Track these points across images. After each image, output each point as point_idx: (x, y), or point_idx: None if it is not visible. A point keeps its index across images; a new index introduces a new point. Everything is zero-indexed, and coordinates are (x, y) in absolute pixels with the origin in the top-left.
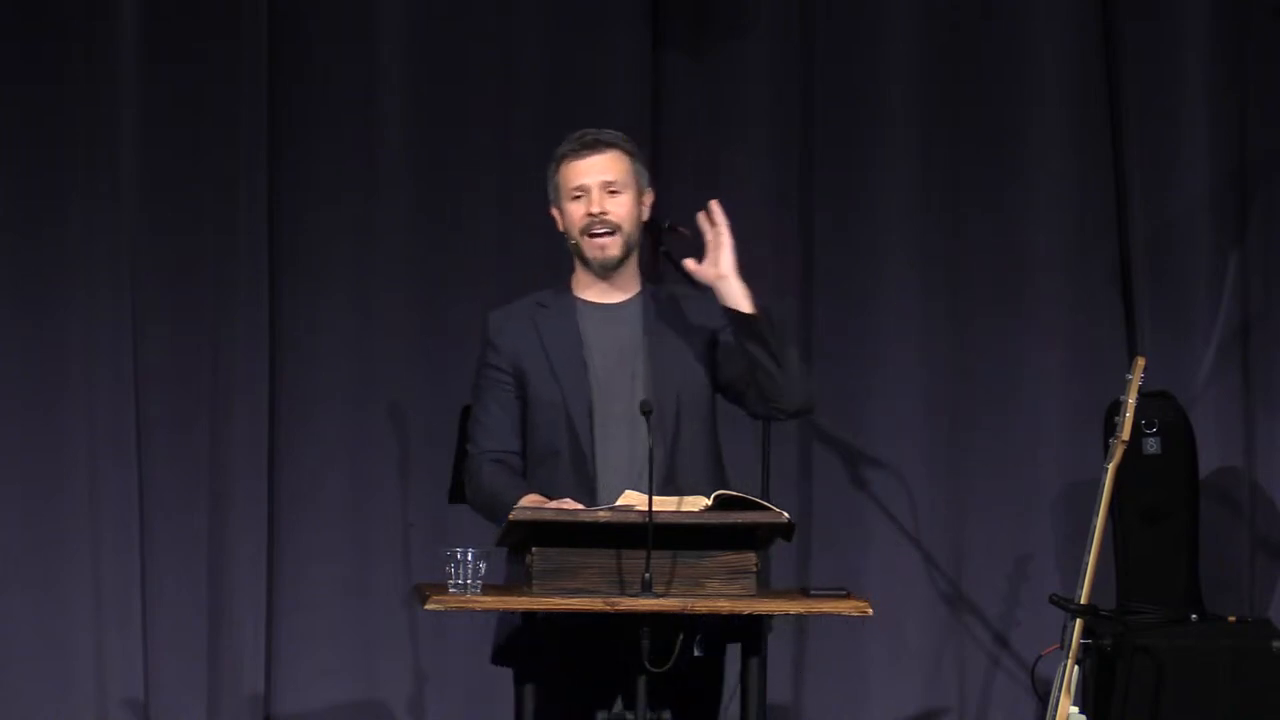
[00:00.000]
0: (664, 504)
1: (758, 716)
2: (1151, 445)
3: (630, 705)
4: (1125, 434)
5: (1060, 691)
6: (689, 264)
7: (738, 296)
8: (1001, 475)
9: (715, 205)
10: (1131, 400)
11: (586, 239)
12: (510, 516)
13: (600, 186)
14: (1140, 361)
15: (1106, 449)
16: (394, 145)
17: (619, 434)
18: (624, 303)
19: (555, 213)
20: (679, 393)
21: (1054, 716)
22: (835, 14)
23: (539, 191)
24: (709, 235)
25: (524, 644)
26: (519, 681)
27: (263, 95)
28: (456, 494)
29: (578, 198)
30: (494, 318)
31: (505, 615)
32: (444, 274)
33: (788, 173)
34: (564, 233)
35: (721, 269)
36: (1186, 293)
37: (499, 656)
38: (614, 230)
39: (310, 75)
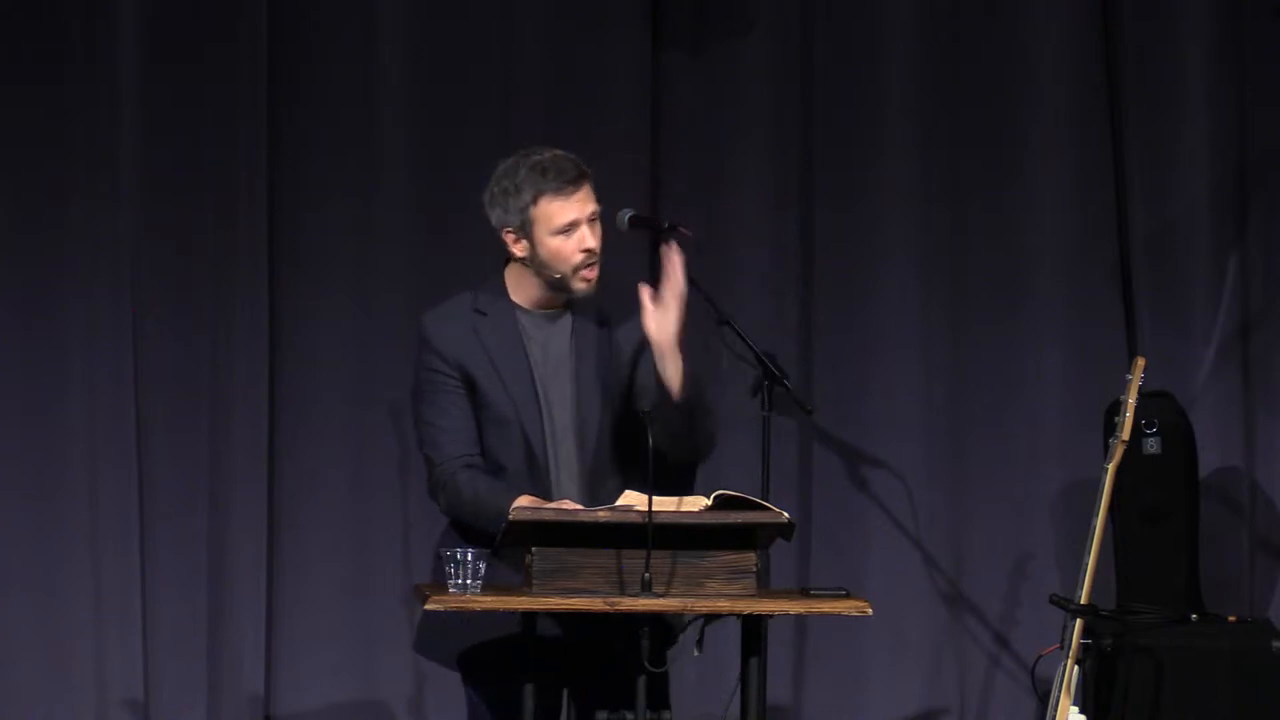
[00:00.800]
0: (664, 504)
1: (758, 716)
2: (1151, 445)
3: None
4: (1125, 434)
5: (1060, 691)
6: (643, 291)
7: (673, 373)
8: (1001, 475)
9: (675, 258)
10: (1131, 400)
11: (578, 273)
12: (510, 517)
13: (587, 220)
14: (1140, 361)
15: (1106, 449)
16: (394, 145)
17: (567, 444)
18: (556, 312)
19: (513, 238)
20: (603, 405)
21: (1054, 716)
22: (835, 14)
23: None
24: (664, 285)
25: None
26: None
27: (263, 95)
28: None
29: (567, 232)
30: (431, 321)
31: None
32: (444, 274)
33: (788, 173)
34: (528, 259)
35: (665, 332)
36: (1186, 293)
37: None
38: (598, 260)
39: (310, 75)
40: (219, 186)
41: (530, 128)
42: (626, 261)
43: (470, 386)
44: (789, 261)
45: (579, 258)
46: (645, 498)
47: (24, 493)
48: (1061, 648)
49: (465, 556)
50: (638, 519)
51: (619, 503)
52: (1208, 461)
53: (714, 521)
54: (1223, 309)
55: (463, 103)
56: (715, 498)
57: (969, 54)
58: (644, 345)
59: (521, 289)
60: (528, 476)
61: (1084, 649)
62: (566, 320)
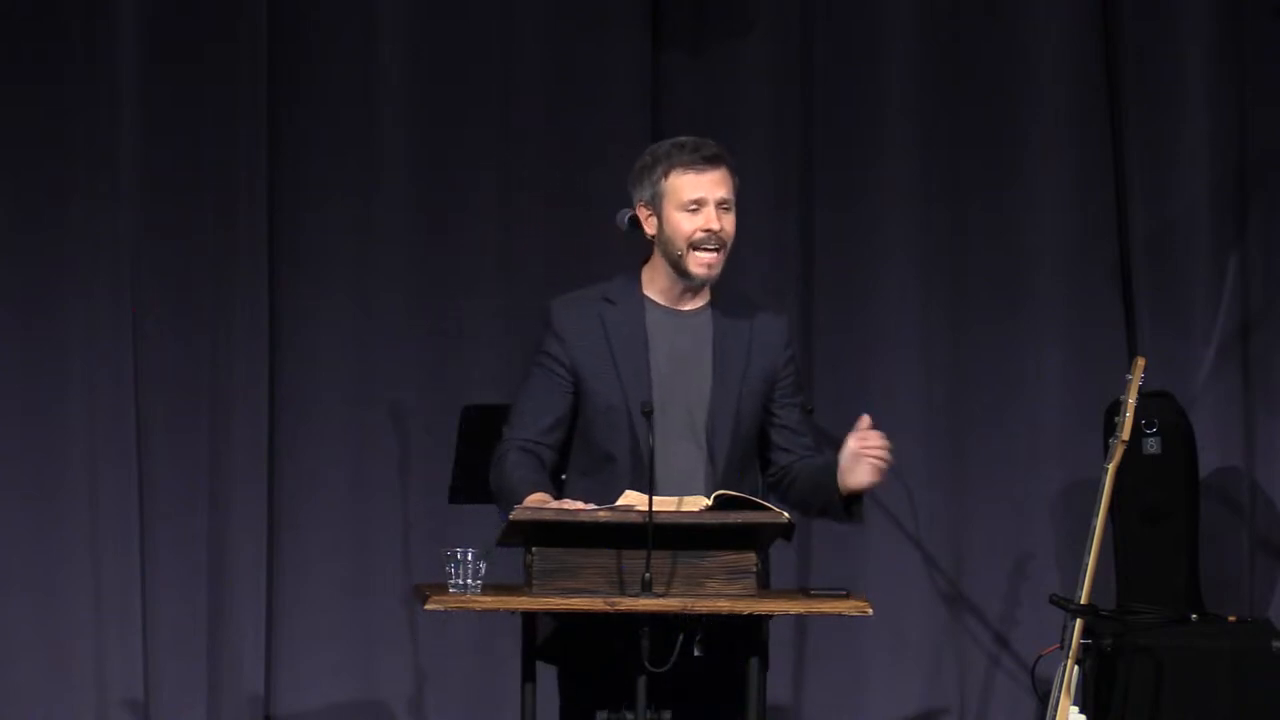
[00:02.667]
0: (664, 504)
1: (758, 716)
2: (1151, 445)
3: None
4: (1125, 434)
5: (1060, 691)
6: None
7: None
8: (1001, 475)
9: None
10: (1131, 400)
11: (694, 253)
12: (510, 517)
13: (717, 203)
14: (1140, 361)
15: (1106, 449)
16: (394, 145)
17: (676, 443)
18: (695, 311)
19: (646, 212)
20: (738, 412)
21: (1054, 716)
22: (835, 14)
23: (539, 192)
24: (861, 444)
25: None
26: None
27: (263, 95)
28: (456, 494)
29: (693, 210)
30: (557, 308)
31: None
32: (444, 274)
33: (788, 173)
34: (656, 236)
35: (859, 480)
36: (1186, 293)
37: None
38: (722, 248)
39: (310, 75)
40: (219, 186)
41: (530, 128)
42: (627, 261)
43: (578, 377)
44: (789, 261)
45: (699, 236)
46: (645, 497)
47: (24, 493)
48: (1061, 648)
49: (465, 556)
50: (638, 519)
51: (619, 503)
52: (1208, 461)
53: (714, 521)
54: (1223, 309)
55: (463, 103)
56: (715, 498)
57: (969, 54)
58: (783, 373)
59: (655, 280)
60: (632, 468)
61: (1084, 649)
62: (706, 319)
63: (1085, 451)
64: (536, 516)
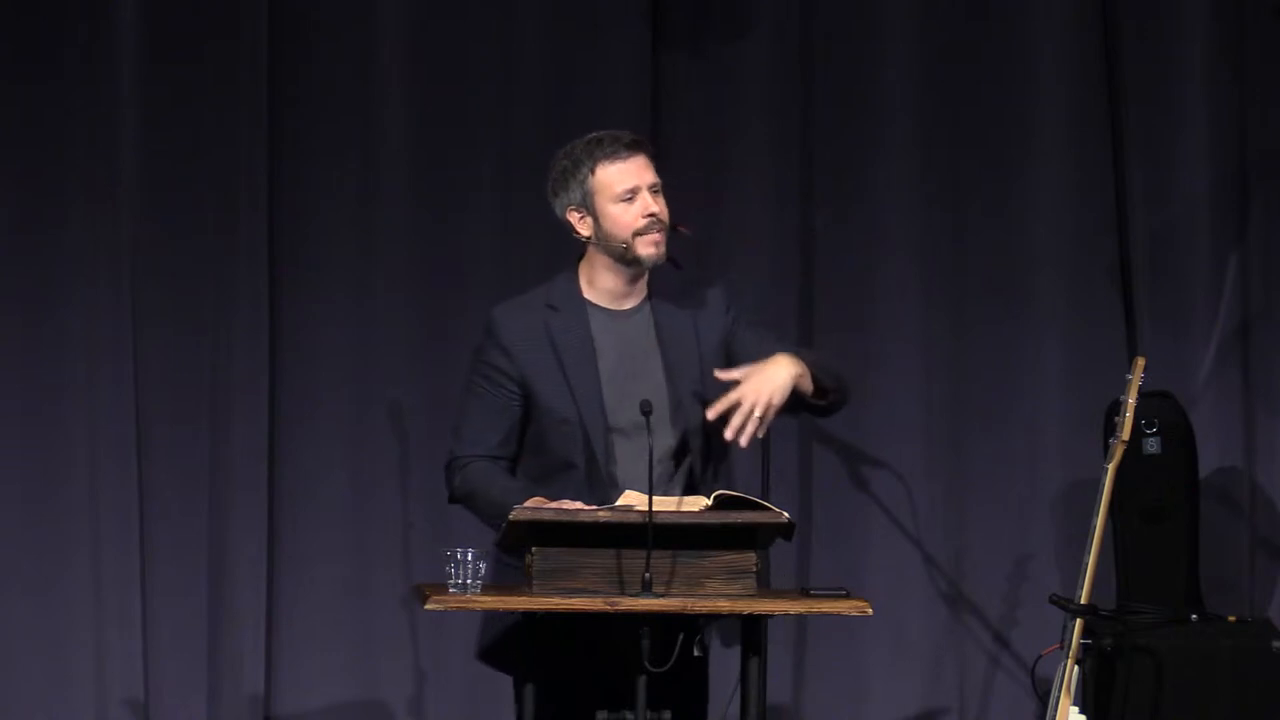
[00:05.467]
0: (664, 504)
1: (758, 716)
2: (1151, 445)
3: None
4: (1125, 434)
5: (1060, 691)
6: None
7: (784, 381)
8: (1001, 475)
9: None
10: (1131, 400)
11: (639, 239)
12: (510, 516)
13: (649, 188)
14: (1140, 361)
15: (1106, 449)
16: (394, 145)
17: (631, 445)
18: (635, 308)
19: (578, 215)
20: (704, 399)
21: (1054, 716)
22: (835, 14)
23: (539, 191)
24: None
25: (522, 644)
26: (518, 683)
27: (263, 95)
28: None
29: (629, 199)
30: (501, 317)
31: (494, 615)
32: (444, 274)
33: (788, 172)
34: (593, 236)
35: (773, 394)
36: (1186, 293)
37: (489, 656)
38: (663, 229)
39: (310, 75)
40: (219, 187)
41: (530, 128)
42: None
43: (527, 388)
44: (789, 261)
45: (642, 222)
46: (645, 497)
47: (24, 493)
48: (1061, 648)
49: (465, 556)
50: (638, 519)
51: (619, 503)
52: (1208, 461)
53: (714, 521)
54: (1223, 309)
55: (463, 103)
56: (715, 498)
57: (969, 54)
58: (732, 332)
59: (595, 283)
60: (586, 476)
61: (1084, 649)
62: (647, 314)
63: (1085, 451)
64: (536, 516)
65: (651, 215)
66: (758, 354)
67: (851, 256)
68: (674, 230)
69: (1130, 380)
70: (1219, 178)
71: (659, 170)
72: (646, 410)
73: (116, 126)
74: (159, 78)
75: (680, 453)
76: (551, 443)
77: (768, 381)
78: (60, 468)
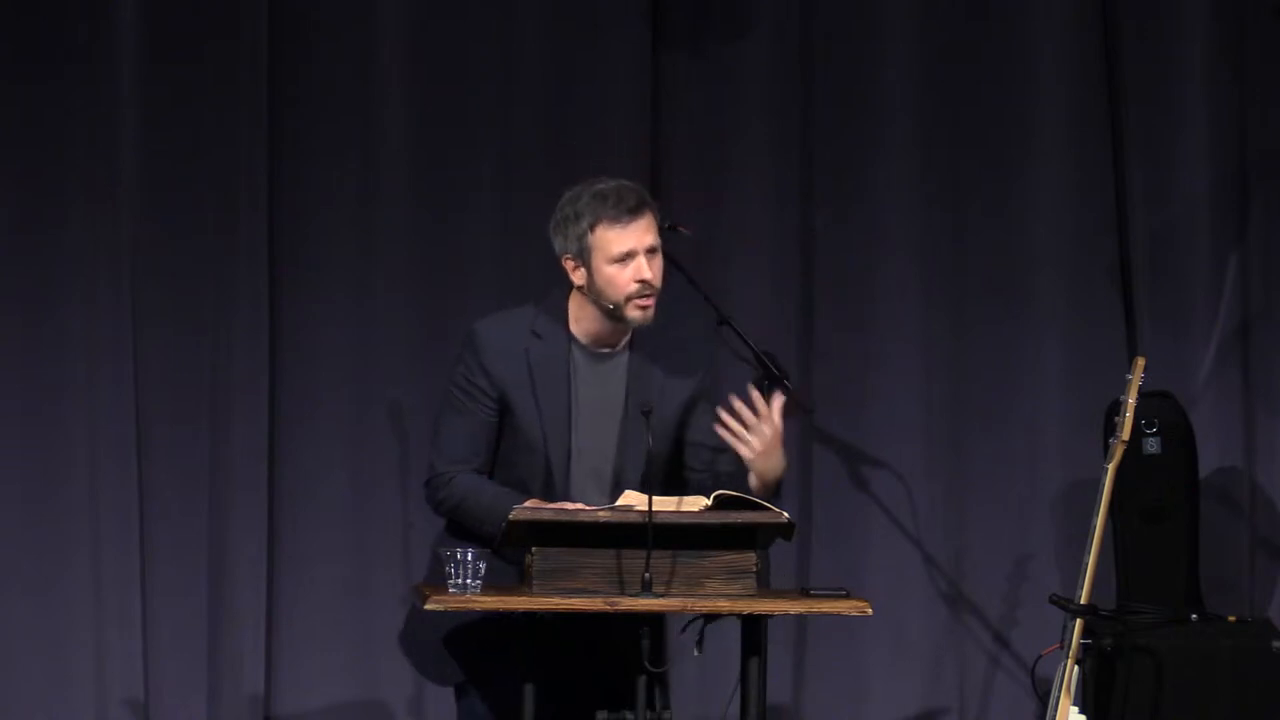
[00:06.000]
0: (664, 504)
1: (758, 716)
2: (1151, 445)
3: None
4: (1125, 434)
5: (1060, 691)
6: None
7: (766, 474)
8: (1001, 475)
9: (776, 404)
10: (1131, 400)
11: (631, 302)
12: (510, 516)
13: (645, 251)
14: (1140, 361)
15: (1106, 449)
16: (394, 145)
17: (590, 486)
18: (614, 352)
19: (572, 264)
20: (645, 459)
21: (1054, 716)
22: (835, 14)
23: (539, 191)
24: (760, 419)
25: (516, 646)
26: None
27: (263, 95)
28: None
29: (623, 261)
30: (484, 335)
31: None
32: (444, 274)
33: (788, 172)
34: (586, 287)
35: (770, 469)
36: (1186, 293)
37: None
38: (655, 294)
39: (310, 75)
40: (219, 187)
41: (530, 128)
42: None
43: (505, 407)
44: (789, 261)
45: (633, 288)
46: (645, 498)
47: (24, 493)
48: (1061, 648)
49: (465, 556)
50: (638, 519)
51: (619, 502)
52: (1208, 461)
53: (714, 521)
54: (1223, 309)
55: (463, 103)
56: (715, 498)
57: (969, 54)
58: (695, 401)
59: (581, 321)
60: (543, 499)
61: (1084, 649)
62: (623, 361)
63: (1085, 451)
64: (536, 516)
65: (643, 280)
66: (703, 445)
67: (851, 256)
68: (674, 230)
69: (1130, 380)
70: (1219, 178)
71: (660, 176)
72: (646, 410)
73: (116, 126)
74: (159, 78)
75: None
76: (512, 463)
77: (777, 450)
78: (60, 468)
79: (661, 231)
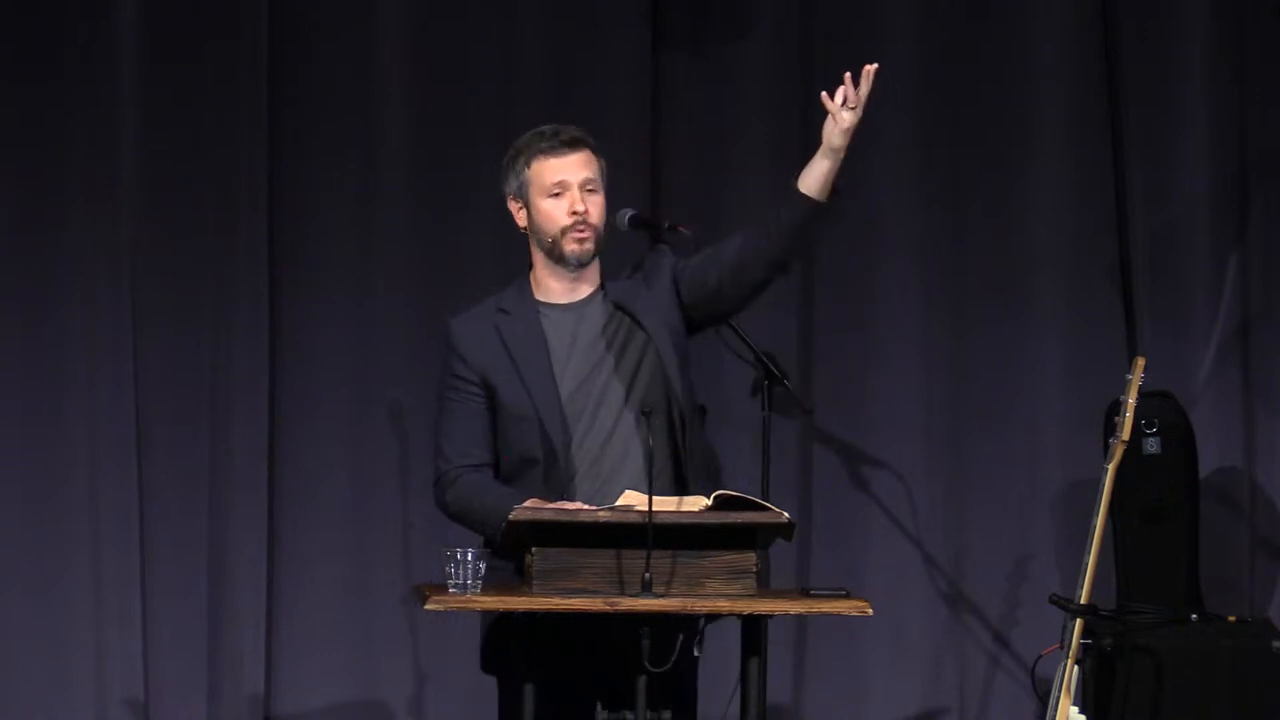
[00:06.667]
0: (664, 504)
1: (758, 716)
2: (1151, 445)
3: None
4: (1125, 434)
5: (1060, 691)
6: (826, 100)
7: (827, 174)
8: (1001, 475)
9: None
10: (1131, 400)
11: (567, 235)
12: (510, 516)
13: (580, 185)
14: (1140, 361)
15: (1106, 449)
16: (394, 145)
17: (592, 434)
18: (586, 299)
19: (516, 205)
20: (664, 374)
21: (1054, 716)
22: (835, 14)
23: None
24: (849, 95)
25: (518, 645)
26: (506, 685)
27: (263, 95)
28: None
29: (557, 195)
30: (456, 326)
31: (487, 620)
32: (444, 274)
33: (788, 172)
34: (528, 228)
35: (843, 133)
36: (1186, 293)
37: (488, 663)
38: (592, 229)
39: (310, 75)
40: (219, 186)
41: (530, 128)
42: (626, 260)
43: (490, 390)
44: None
45: (568, 220)
46: (645, 498)
47: (24, 493)
48: (1061, 648)
49: (465, 556)
50: (638, 519)
51: (619, 502)
52: (1208, 461)
53: (714, 521)
54: (1223, 309)
55: (463, 103)
56: (715, 498)
57: (969, 54)
58: (675, 279)
59: (542, 280)
60: (545, 472)
61: (1084, 649)
62: (598, 304)
63: (1085, 451)
64: (536, 517)
65: (575, 213)
66: (704, 257)
67: (852, 256)
68: (674, 230)
69: (1130, 380)
70: (1219, 178)
71: (660, 176)
72: (647, 410)
73: (116, 126)
74: (159, 78)
75: (650, 432)
76: (512, 439)
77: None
78: (60, 468)
79: (661, 232)
